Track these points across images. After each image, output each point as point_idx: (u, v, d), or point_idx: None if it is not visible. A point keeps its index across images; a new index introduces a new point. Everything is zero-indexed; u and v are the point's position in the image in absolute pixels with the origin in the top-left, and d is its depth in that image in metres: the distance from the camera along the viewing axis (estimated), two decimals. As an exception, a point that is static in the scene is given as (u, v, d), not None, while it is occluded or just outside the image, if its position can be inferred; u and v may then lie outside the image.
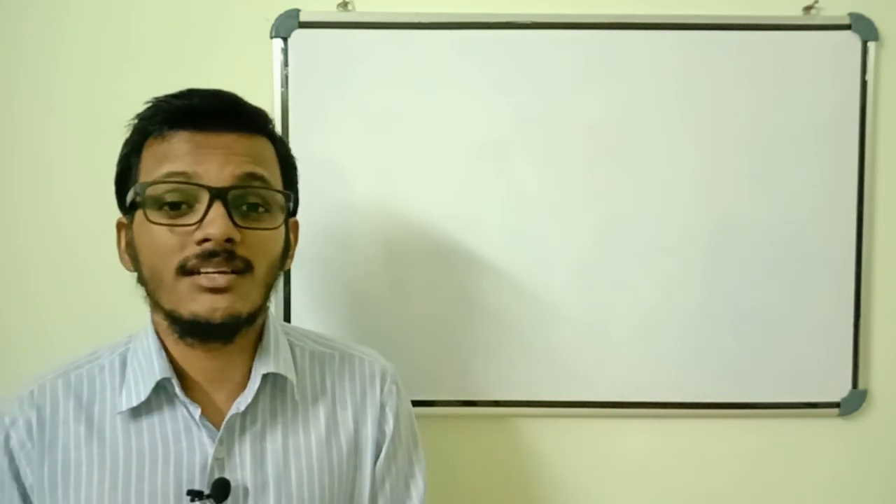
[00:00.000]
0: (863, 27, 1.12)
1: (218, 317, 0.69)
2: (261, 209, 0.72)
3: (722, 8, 1.13)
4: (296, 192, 0.81)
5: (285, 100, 1.11)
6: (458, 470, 1.16)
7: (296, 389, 0.78)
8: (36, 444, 0.72)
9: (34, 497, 0.72)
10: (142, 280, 0.73)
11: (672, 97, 1.12)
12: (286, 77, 1.11)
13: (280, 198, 0.74)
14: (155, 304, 0.73)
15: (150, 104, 0.73)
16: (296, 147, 0.82)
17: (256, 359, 0.77)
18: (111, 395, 0.74)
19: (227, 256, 0.68)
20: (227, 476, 0.72)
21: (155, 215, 0.69)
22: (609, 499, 1.18)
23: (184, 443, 0.72)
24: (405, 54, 1.11)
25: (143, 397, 0.72)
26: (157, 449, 0.72)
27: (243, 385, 0.76)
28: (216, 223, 0.67)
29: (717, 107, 1.13)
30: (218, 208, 0.68)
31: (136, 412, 0.73)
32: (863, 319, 1.15)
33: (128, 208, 0.73)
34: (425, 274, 1.13)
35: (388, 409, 0.83)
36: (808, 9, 1.14)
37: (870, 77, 1.13)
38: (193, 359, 0.74)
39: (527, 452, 1.17)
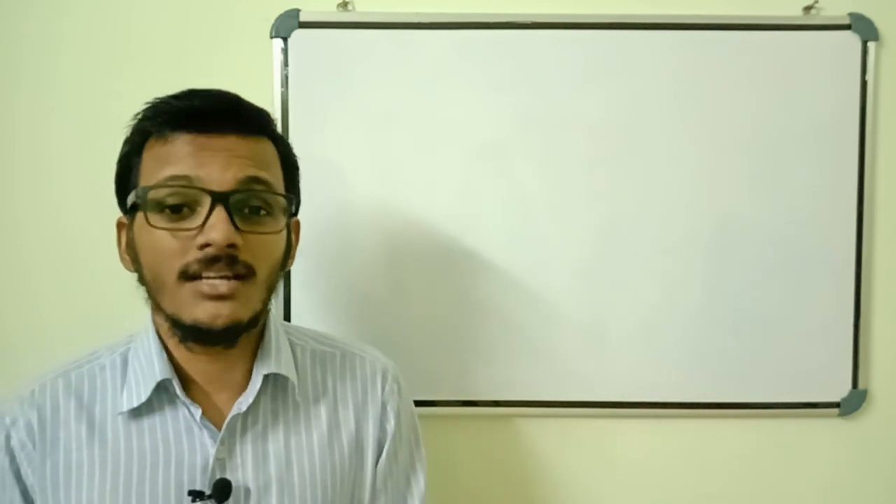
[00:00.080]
0: (863, 27, 1.12)
1: (220, 324, 0.69)
2: (263, 212, 0.72)
3: (722, 8, 1.13)
4: (298, 192, 0.80)
5: (285, 100, 1.11)
6: (459, 470, 1.16)
7: (297, 390, 0.78)
8: (37, 445, 0.72)
9: (36, 497, 0.71)
10: (143, 281, 0.72)
11: (672, 97, 1.12)
12: (286, 77, 1.11)
13: (282, 200, 0.74)
14: (156, 307, 0.73)
15: (150, 104, 0.73)
16: (296, 147, 0.82)
17: (257, 359, 0.77)
18: (112, 395, 0.74)
19: (229, 261, 0.68)
20: (228, 477, 0.72)
21: (156, 219, 0.69)
22: (609, 499, 1.18)
23: (185, 443, 0.72)
24: (405, 54, 1.11)
25: (143, 398, 0.72)
26: (158, 450, 0.72)
27: (244, 385, 0.76)
28: (218, 228, 0.67)
29: (717, 107, 1.13)
30: (220, 213, 0.67)
31: (137, 412, 0.73)
32: (863, 319, 1.15)
33: (128, 209, 0.73)
34: (425, 274, 1.13)
35: (389, 408, 0.83)
36: (808, 9, 1.14)
37: (870, 77, 1.13)
38: (194, 360, 0.74)
39: (527, 452, 1.17)
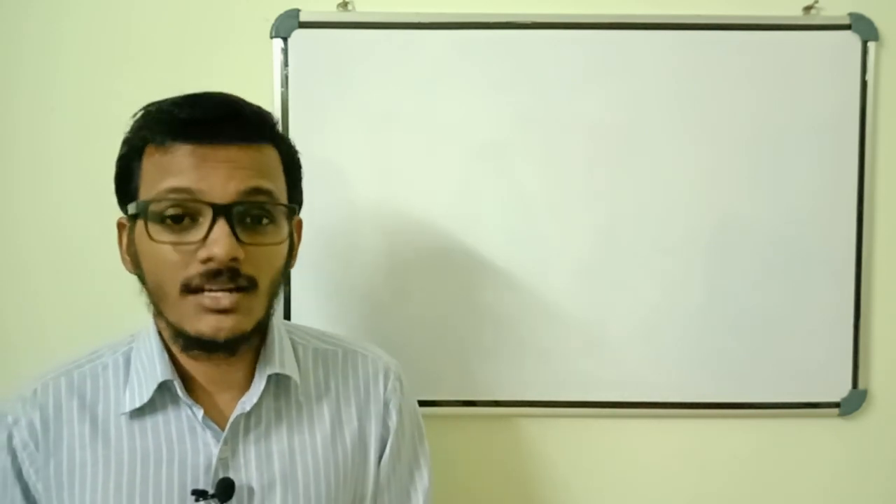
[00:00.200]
0: (863, 27, 1.12)
1: (223, 336, 0.69)
2: (265, 221, 0.71)
3: (722, 8, 1.13)
4: (300, 192, 0.80)
5: (285, 100, 1.11)
6: (459, 470, 1.16)
7: (300, 389, 0.78)
8: (40, 446, 0.72)
9: (40, 498, 0.72)
10: (144, 286, 0.72)
11: (672, 97, 1.12)
12: (286, 77, 1.11)
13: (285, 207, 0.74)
14: (159, 313, 0.73)
15: (150, 111, 0.71)
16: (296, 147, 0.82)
17: (260, 359, 0.77)
18: (115, 394, 0.74)
19: (232, 275, 0.68)
20: (231, 476, 0.72)
21: (157, 230, 0.68)
22: (609, 499, 1.18)
23: (188, 443, 0.72)
24: (405, 54, 1.11)
25: (146, 398, 0.72)
26: (161, 449, 0.72)
27: (246, 385, 0.76)
28: (220, 243, 0.66)
29: (717, 107, 1.13)
30: (222, 226, 0.67)
31: (140, 412, 0.73)
32: (863, 319, 1.15)
33: (129, 216, 0.72)
34: (425, 274, 1.13)
35: (391, 406, 0.83)
36: (808, 9, 1.14)
37: (870, 77, 1.13)
38: (196, 362, 0.74)
39: (527, 452, 1.17)
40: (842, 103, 1.13)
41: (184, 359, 0.74)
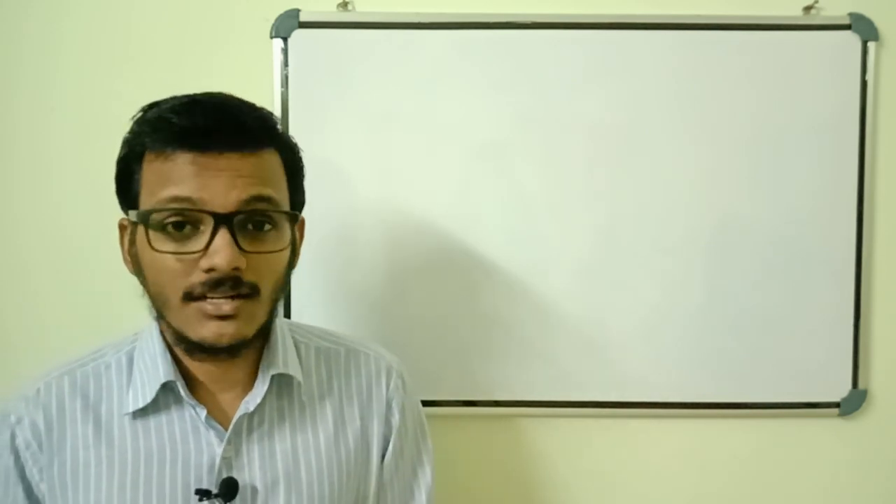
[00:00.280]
0: (863, 27, 1.12)
1: (225, 342, 0.69)
2: (267, 227, 0.71)
3: (722, 8, 1.13)
4: (303, 194, 0.79)
5: (285, 100, 1.11)
6: (459, 470, 1.16)
7: (302, 389, 0.78)
8: (44, 446, 0.72)
9: (44, 498, 0.72)
10: (147, 290, 0.72)
11: (672, 97, 1.12)
12: (286, 77, 1.11)
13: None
14: (161, 317, 0.73)
15: (150, 116, 0.70)
16: (295, 148, 0.82)
17: (263, 359, 0.77)
18: (118, 394, 0.74)
19: (234, 283, 0.68)
20: (234, 475, 0.72)
21: (159, 240, 0.68)
22: (609, 499, 1.18)
23: (191, 443, 0.73)
24: (405, 54, 1.11)
25: (148, 399, 0.72)
26: (164, 449, 0.72)
27: (249, 385, 0.76)
28: (222, 253, 0.66)
29: (717, 107, 1.13)
30: (223, 236, 0.66)
31: (143, 412, 0.73)
32: (863, 319, 1.15)
33: (130, 217, 0.72)
34: (425, 274, 1.13)
35: (394, 405, 0.84)
36: (808, 9, 1.14)
37: (870, 77, 1.13)
38: (199, 363, 0.74)
39: (527, 452, 1.17)
40: (842, 103, 1.13)
41: (186, 359, 0.74)
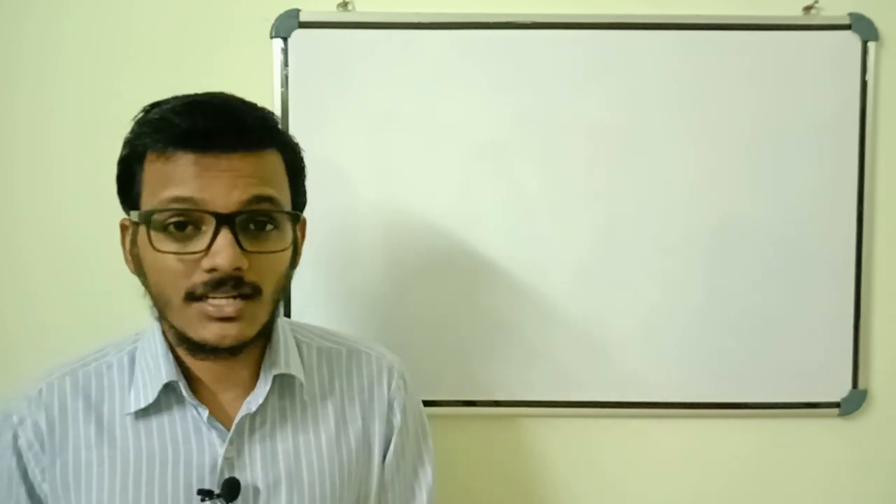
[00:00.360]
0: (863, 27, 1.12)
1: (227, 343, 0.69)
2: (269, 227, 0.71)
3: (722, 8, 1.13)
4: (304, 195, 0.79)
5: (285, 100, 1.11)
6: (459, 470, 1.16)
7: (304, 389, 0.78)
8: (46, 447, 0.72)
9: (47, 498, 0.72)
10: (148, 291, 0.72)
11: (672, 97, 1.12)
12: (286, 77, 1.11)
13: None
14: (163, 317, 0.73)
15: (152, 117, 0.70)
16: (295, 147, 0.82)
17: (265, 360, 0.77)
18: (120, 394, 0.74)
19: (235, 283, 0.68)
20: (236, 476, 0.72)
21: (160, 240, 0.68)
22: (609, 498, 1.18)
23: (193, 443, 0.73)
24: (405, 54, 1.11)
25: (150, 399, 0.72)
26: (167, 449, 0.72)
27: (251, 384, 0.76)
28: (224, 253, 0.66)
29: (717, 107, 1.13)
30: (225, 236, 0.66)
31: (146, 412, 0.73)
32: (863, 319, 1.15)
33: (132, 218, 0.72)
34: (425, 274, 1.13)
35: (395, 405, 0.84)
36: (808, 9, 1.14)
37: (870, 77, 1.13)
38: (201, 362, 0.74)
39: (527, 452, 1.17)
40: (842, 103, 1.13)
41: (188, 358, 0.74)
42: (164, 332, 0.75)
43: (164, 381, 0.72)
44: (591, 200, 1.13)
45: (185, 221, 0.68)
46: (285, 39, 1.10)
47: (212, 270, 0.67)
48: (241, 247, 0.67)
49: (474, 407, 1.15)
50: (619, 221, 1.13)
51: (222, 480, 0.72)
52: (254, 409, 0.74)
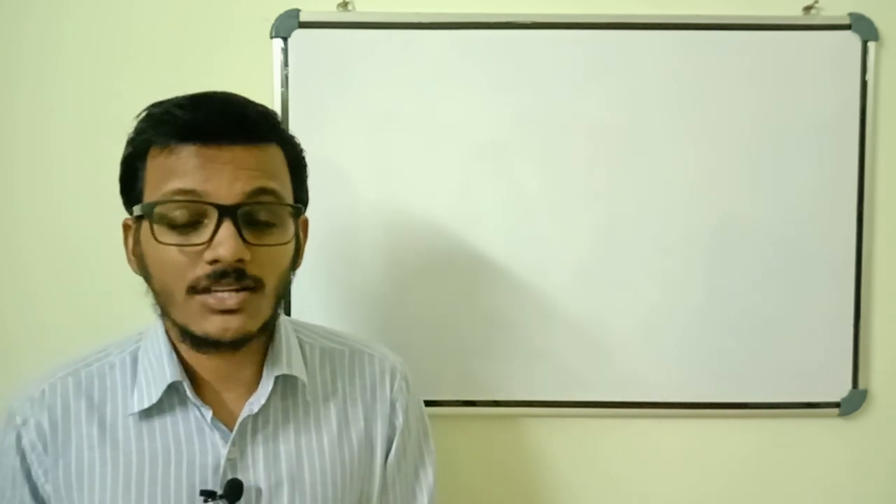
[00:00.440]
0: (863, 27, 1.12)
1: (229, 336, 0.69)
2: (271, 221, 0.71)
3: (722, 8, 1.13)
4: (306, 192, 0.79)
5: (285, 100, 1.11)
6: (459, 470, 1.16)
7: (307, 389, 0.78)
8: (49, 448, 0.72)
9: (50, 499, 0.72)
10: (150, 287, 0.72)
11: (672, 97, 1.12)
12: (286, 77, 1.11)
13: (290, 208, 0.73)
14: (165, 314, 0.73)
15: (154, 113, 0.71)
16: (296, 147, 0.82)
17: (268, 360, 0.77)
18: (122, 394, 0.74)
19: (238, 275, 0.68)
20: (239, 477, 0.72)
21: (163, 233, 0.68)
22: (609, 498, 1.18)
23: (196, 444, 0.73)
24: (405, 54, 1.11)
25: (154, 399, 0.72)
26: (169, 450, 0.72)
27: (254, 384, 0.76)
28: (226, 244, 0.66)
29: (717, 107, 1.13)
30: (228, 227, 0.67)
31: (148, 413, 0.73)
32: (863, 319, 1.15)
33: (135, 217, 0.72)
34: (425, 274, 1.13)
35: (398, 406, 0.84)
36: (808, 9, 1.14)
37: (870, 77, 1.13)
38: (204, 360, 0.74)
39: (527, 452, 1.17)
40: (842, 103, 1.13)
41: (191, 356, 0.74)
42: (166, 331, 0.75)
43: (169, 381, 0.72)
44: (591, 200, 1.13)
45: (187, 215, 0.68)
46: (285, 39, 1.10)
47: (214, 262, 0.67)
48: (243, 239, 0.67)
49: (475, 407, 1.15)
50: (619, 221, 1.13)
51: (225, 481, 0.72)
52: (256, 409, 0.74)
